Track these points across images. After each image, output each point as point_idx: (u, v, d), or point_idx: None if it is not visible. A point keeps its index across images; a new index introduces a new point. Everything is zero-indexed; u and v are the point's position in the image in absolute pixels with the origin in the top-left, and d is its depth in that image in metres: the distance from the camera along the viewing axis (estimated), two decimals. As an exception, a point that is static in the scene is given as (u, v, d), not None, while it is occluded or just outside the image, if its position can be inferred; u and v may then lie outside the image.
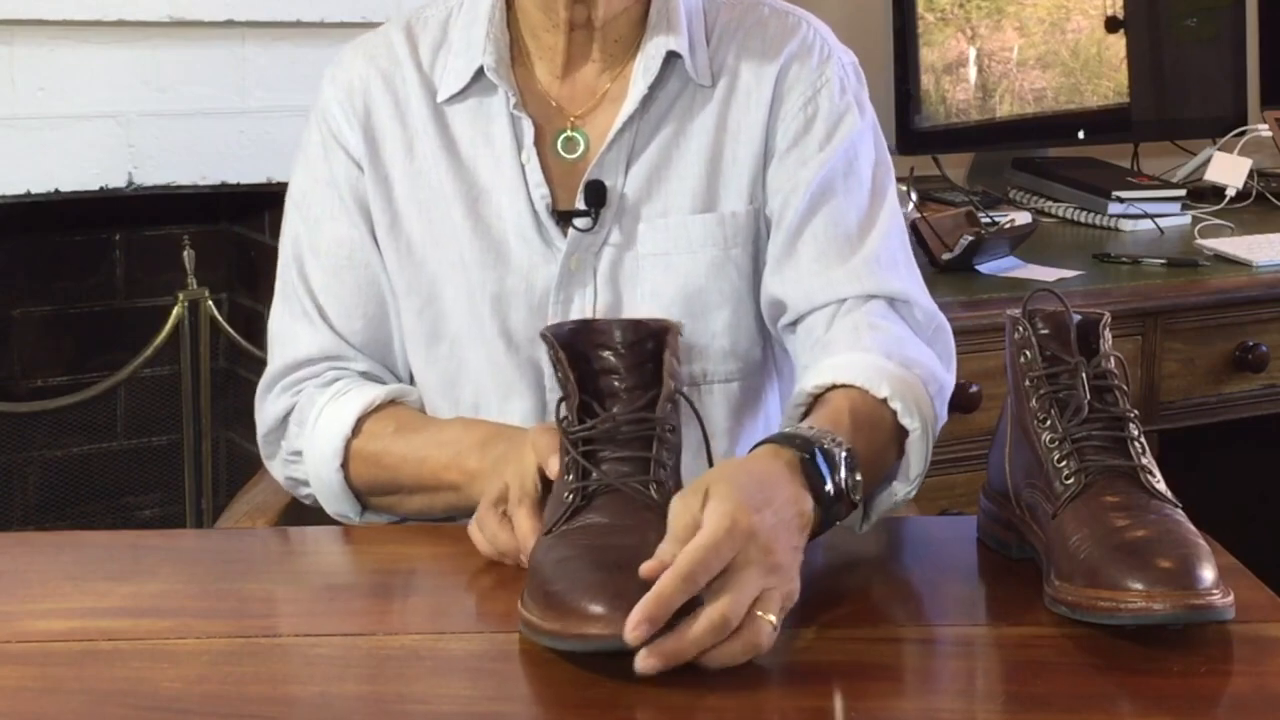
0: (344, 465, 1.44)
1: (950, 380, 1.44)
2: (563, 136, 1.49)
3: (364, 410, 1.45)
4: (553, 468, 1.21)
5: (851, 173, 1.49)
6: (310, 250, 1.52)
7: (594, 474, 1.15)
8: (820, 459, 1.17)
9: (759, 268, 1.49)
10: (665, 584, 1.04)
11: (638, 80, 1.47)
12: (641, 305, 1.47)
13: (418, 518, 1.46)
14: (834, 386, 1.32)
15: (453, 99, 1.50)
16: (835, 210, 1.47)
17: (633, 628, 1.02)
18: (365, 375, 1.51)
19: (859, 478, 1.19)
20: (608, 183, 1.47)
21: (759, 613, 1.06)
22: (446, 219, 1.48)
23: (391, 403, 1.47)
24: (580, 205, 1.47)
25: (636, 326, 1.21)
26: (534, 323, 1.45)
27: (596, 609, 1.05)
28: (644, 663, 1.03)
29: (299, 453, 1.48)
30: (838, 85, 1.50)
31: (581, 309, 1.47)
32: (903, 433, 1.33)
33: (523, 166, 1.47)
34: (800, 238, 1.46)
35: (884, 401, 1.32)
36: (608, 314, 1.47)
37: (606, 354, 1.19)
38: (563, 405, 1.19)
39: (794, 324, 1.47)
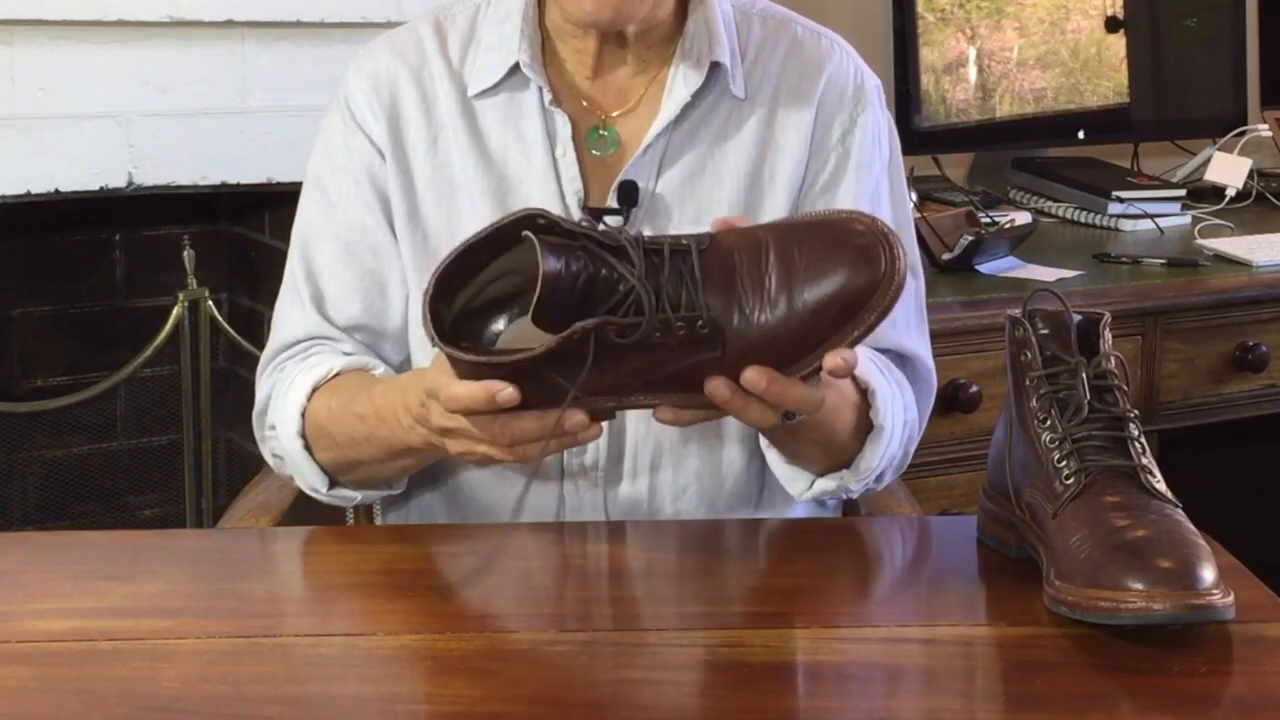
0: (302, 433, 1.45)
1: (921, 430, 1.52)
2: (594, 134, 1.50)
3: (321, 379, 1.45)
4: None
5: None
6: (320, 233, 1.53)
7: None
8: None
9: None
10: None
11: (678, 86, 1.48)
12: None
13: (377, 481, 1.46)
14: None
15: (484, 94, 1.50)
16: None
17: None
18: (349, 356, 1.50)
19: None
20: (640, 183, 1.47)
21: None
22: (470, 213, 1.49)
23: (354, 371, 1.46)
24: (612, 204, 1.47)
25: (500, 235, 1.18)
26: None
27: None
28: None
29: (274, 426, 1.48)
30: (870, 120, 1.53)
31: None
32: (869, 425, 1.40)
33: (555, 162, 1.48)
34: None
35: (865, 392, 1.40)
36: None
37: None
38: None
39: None
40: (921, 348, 1.54)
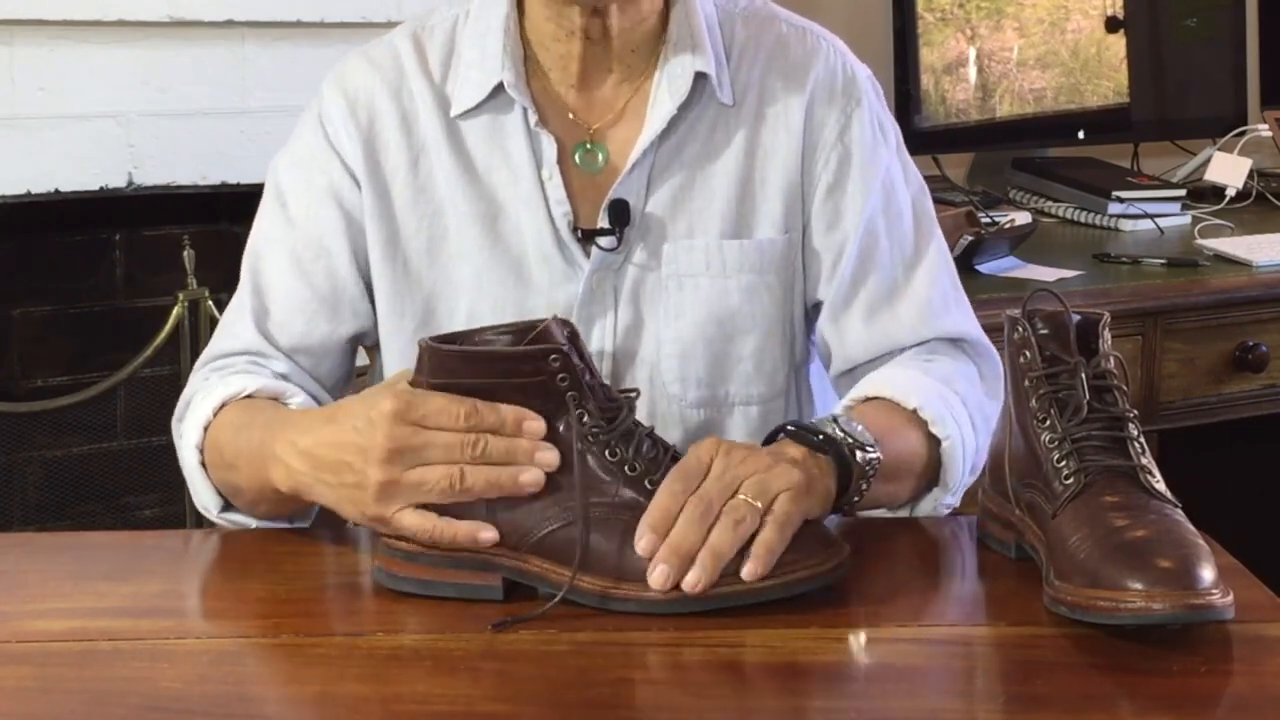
0: (200, 447, 1.39)
1: (995, 407, 1.45)
2: (581, 150, 1.47)
3: (231, 395, 1.39)
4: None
5: (891, 206, 1.51)
6: (274, 247, 1.49)
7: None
8: (815, 429, 1.27)
9: (792, 296, 1.50)
10: (658, 499, 1.16)
11: (663, 99, 1.45)
12: (665, 325, 1.46)
13: (263, 514, 1.39)
14: (867, 399, 1.40)
15: (467, 114, 1.47)
16: (883, 258, 1.50)
17: (639, 537, 1.14)
18: (283, 377, 1.46)
19: (861, 437, 1.28)
20: (630, 201, 1.45)
21: (741, 495, 1.16)
22: (456, 235, 1.46)
23: (269, 398, 1.40)
24: (603, 224, 1.45)
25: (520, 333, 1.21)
26: None
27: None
28: (655, 574, 1.14)
29: (182, 435, 1.43)
30: (866, 111, 1.51)
31: (602, 329, 1.46)
32: (936, 441, 1.38)
33: (543, 183, 1.45)
34: (854, 291, 1.49)
35: (914, 411, 1.38)
36: (629, 333, 1.46)
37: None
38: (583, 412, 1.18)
39: (850, 371, 1.51)
40: (966, 323, 1.51)
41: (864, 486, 1.27)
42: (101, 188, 2.53)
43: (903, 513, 1.42)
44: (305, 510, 1.40)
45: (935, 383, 1.42)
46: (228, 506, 1.41)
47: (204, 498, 1.41)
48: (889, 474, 1.31)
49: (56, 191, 2.50)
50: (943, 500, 1.41)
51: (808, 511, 1.19)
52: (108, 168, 2.52)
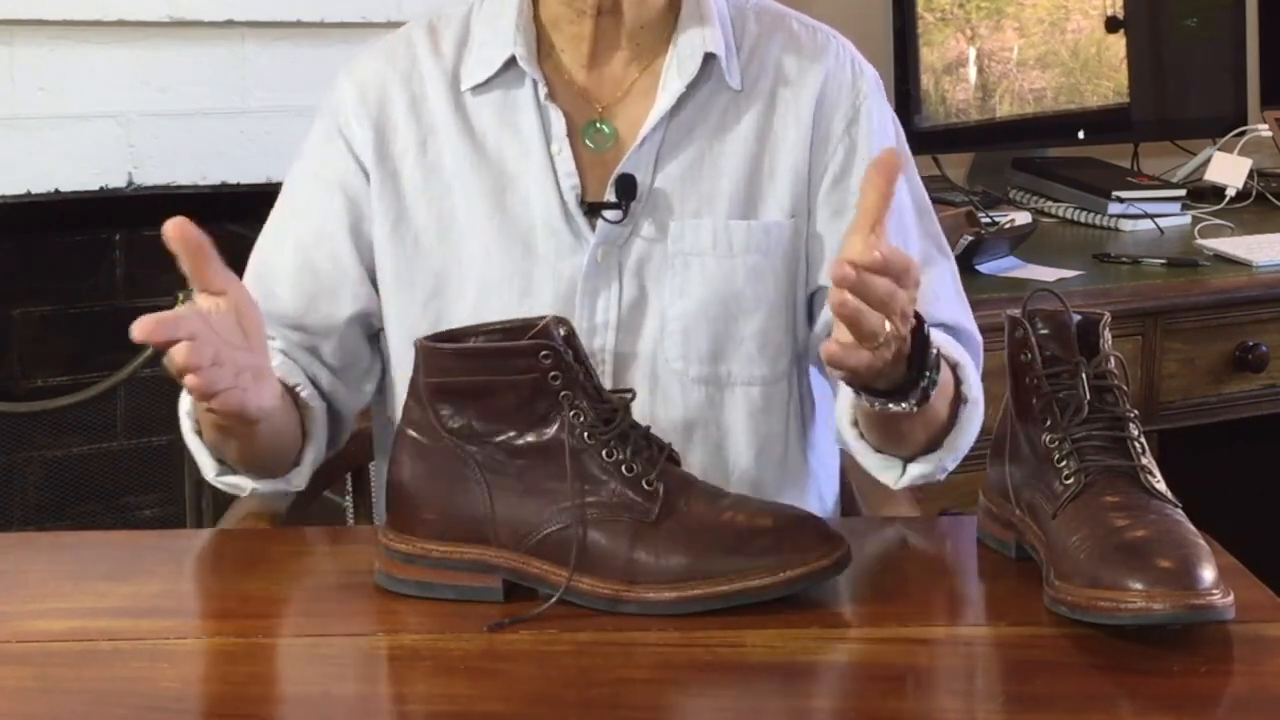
0: (192, 413, 1.42)
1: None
2: (590, 128, 1.50)
3: None
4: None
5: (898, 201, 1.50)
6: (281, 232, 1.54)
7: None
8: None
9: (795, 280, 1.51)
10: (879, 251, 1.16)
11: (672, 78, 1.49)
12: (671, 302, 1.48)
13: (246, 461, 1.42)
14: None
15: (477, 89, 1.50)
16: None
17: (846, 259, 1.15)
18: (281, 352, 1.48)
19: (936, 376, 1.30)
20: (638, 177, 1.47)
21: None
22: (465, 211, 1.49)
23: None
24: (610, 197, 1.47)
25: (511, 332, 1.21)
26: (559, 313, 1.45)
27: None
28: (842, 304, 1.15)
29: (182, 404, 1.46)
30: (874, 107, 1.53)
31: (606, 302, 1.48)
32: (960, 400, 1.41)
33: (552, 157, 1.48)
34: None
35: (954, 367, 1.41)
36: (633, 308, 1.48)
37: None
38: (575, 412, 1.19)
39: None
40: (967, 320, 1.54)
41: (924, 385, 1.29)
42: (101, 188, 2.53)
43: (894, 478, 1.43)
44: (272, 435, 1.40)
45: (968, 358, 1.45)
46: (225, 471, 1.44)
47: (201, 461, 1.44)
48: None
49: (56, 191, 2.50)
50: (943, 463, 1.43)
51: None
52: (108, 168, 2.52)
